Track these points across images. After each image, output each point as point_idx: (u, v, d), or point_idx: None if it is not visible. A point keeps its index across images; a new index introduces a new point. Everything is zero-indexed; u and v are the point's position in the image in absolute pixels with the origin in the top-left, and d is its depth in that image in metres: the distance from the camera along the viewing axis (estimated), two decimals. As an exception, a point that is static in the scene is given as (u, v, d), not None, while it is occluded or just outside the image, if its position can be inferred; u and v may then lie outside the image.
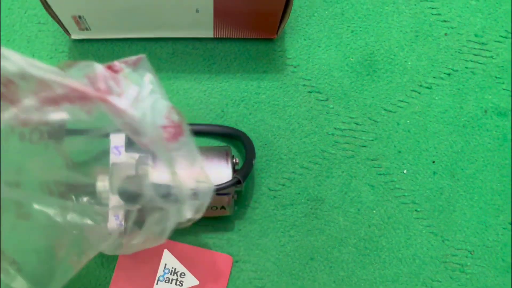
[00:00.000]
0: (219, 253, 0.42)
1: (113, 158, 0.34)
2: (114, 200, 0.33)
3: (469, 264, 0.44)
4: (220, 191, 0.37)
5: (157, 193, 0.30)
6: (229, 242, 0.43)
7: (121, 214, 0.34)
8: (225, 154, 0.39)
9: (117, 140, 0.34)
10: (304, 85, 0.47)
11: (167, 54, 0.46)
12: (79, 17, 0.40)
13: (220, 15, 0.41)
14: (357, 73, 0.47)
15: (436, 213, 0.45)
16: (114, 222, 0.33)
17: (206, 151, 0.39)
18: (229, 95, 0.46)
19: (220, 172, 0.38)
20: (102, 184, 0.34)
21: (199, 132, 0.44)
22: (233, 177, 0.38)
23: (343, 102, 0.47)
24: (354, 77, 0.47)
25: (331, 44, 0.48)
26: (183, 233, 0.42)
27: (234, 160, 0.39)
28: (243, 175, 0.39)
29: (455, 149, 0.46)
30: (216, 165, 0.38)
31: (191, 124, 0.42)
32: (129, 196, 0.32)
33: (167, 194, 0.31)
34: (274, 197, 0.44)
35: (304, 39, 0.48)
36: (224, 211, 0.40)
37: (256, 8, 0.40)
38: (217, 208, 0.39)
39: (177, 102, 0.45)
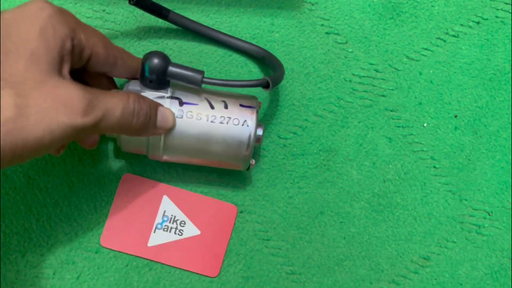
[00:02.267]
0: (223, 201, 0.39)
1: None
2: None
3: (486, 225, 0.42)
4: (245, 87, 0.35)
5: None
6: (234, 191, 0.39)
7: None
8: (250, 104, 0.35)
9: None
10: (322, 25, 0.42)
11: (173, -19, 0.41)
12: None
13: None
14: (379, 16, 0.43)
15: (455, 170, 0.42)
16: None
17: (231, 97, 0.36)
18: (239, 32, 0.41)
19: (241, 125, 0.34)
20: None
21: (224, 43, 0.40)
22: (262, 78, 0.35)
23: (363, 47, 0.43)
24: (376, 20, 0.43)
25: (353, -18, 0.43)
26: (184, 178, 0.39)
27: (260, 130, 0.36)
28: (274, 78, 0.35)
29: (479, 103, 0.43)
30: (238, 114, 0.35)
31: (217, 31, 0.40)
32: None
33: None
34: (284, 145, 0.41)
35: (324, -25, 0.43)
36: (239, 164, 0.36)
37: None
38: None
39: (182, 37, 0.41)
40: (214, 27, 0.41)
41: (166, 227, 0.37)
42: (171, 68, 0.33)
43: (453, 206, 0.42)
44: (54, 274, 0.37)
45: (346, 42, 0.43)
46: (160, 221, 0.37)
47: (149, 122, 0.31)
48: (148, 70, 0.32)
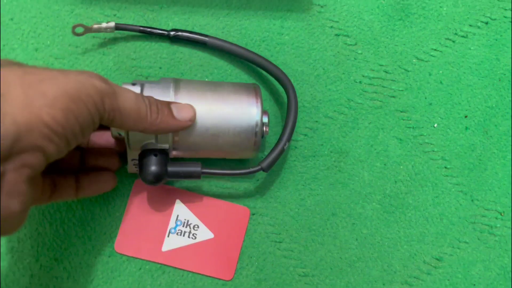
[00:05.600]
0: (235, 204, 0.39)
1: None
2: None
3: (498, 225, 0.42)
4: (241, 175, 0.37)
5: None
6: (246, 193, 0.39)
7: None
8: (253, 91, 0.35)
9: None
10: (331, 27, 0.43)
11: (183, -15, 0.41)
12: None
13: None
14: (388, 17, 0.43)
15: (466, 171, 0.42)
16: None
17: (234, 86, 0.36)
18: (249, 34, 0.41)
19: (248, 111, 0.35)
20: None
21: (246, 58, 0.39)
22: (257, 166, 0.36)
23: (372, 48, 0.43)
24: (385, 21, 0.43)
25: (361, -16, 0.44)
26: (196, 182, 0.39)
27: (264, 128, 0.36)
28: (267, 164, 0.36)
29: (490, 103, 0.43)
30: (244, 102, 0.35)
31: (238, 46, 0.39)
32: None
33: None
34: (295, 147, 0.41)
35: (333, -23, 0.43)
36: (247, 153, 0.36)
37: None
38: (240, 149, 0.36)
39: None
40: (224, 30, 0.41)
41: (180, 231, 0.37)
42: (170, 169, 0.34)
43: (465, 206, 0.42)
44: (68, 278, 0.37)
45: (356, 44, 0.43)
46: (174, 225, 0.37)
47: (163, 115, 0.31)
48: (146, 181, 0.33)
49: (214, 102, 0.34)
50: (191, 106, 0.33)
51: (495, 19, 0.45)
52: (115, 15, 0.40)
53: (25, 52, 0.39)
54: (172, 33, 0.39)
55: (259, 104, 0.35)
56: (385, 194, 0.41)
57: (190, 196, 0.38)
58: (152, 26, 0.40)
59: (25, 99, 0.24)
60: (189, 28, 0.41)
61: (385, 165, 0.41)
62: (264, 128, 0.35)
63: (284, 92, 0.40)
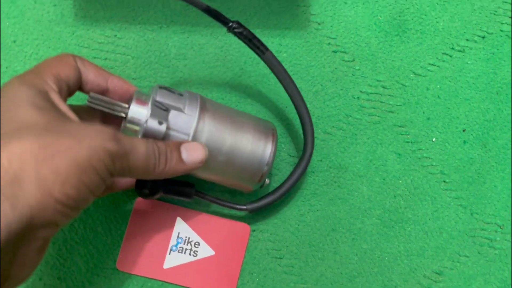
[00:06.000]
0: (235, 221, 0.39)
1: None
2: None
3: (498, 239, 0.42)
4: (222, 205, 0.38)
5: None
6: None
7: None
8: (271, 134, 0.36)
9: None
10: (328, 44, 0.43)
11: (182, 6, 0.42)
12: (87, -43, 0.36)
13: (244, -40, 0.37)
14: (385, 33, 0.44)
15: (465, 184, 0.42)
16: None
17: (254, 121, 0.36)
18: (248, 53, 0.42)
19: (263, 152, 0.35)
20: None
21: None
22: (244, 205, 0.38)
23: (370, 64, 0.43)
24: (383, 37, 0.44)
25: (358, 1, 0.44)
26: (197, 200, 0.39)
27: (266, 181, 0.37)
28: (254, 208, 0.38)
29: (487, 117, 0.43)
30: (258, 142, 0.35)
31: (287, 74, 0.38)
32: None
33: None
34: (295, 163, 0.41)
35: (330, -6, 0.44)
36: (245, 188, 0.37)
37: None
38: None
39: (192, 59, 0.41)
40: (223, 49, 0.42)
41: (181, 248, 0.38)
42: (164, 186, 0.35)
43: (464, 220, 0.42)
44: (71, 296, 0.38)
45: (353, 60, 0.43)
46: (175, 242, 0.38)
47: (172, 162, 0.31)
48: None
49: (232, 136, 0.34)
50: (203, 147, 0.33)
51: (491, 33, 0.45)
52: (115, 35, 0.41)
53: (27, 74, 0.39)
54: (235, 26, 0.35)
55: (273, 148, 0.35)
56: (384, 208, 0.41)
57: (191, 213, 0.39)
58: (155, 50, 0.40)
59: (38, 179, 0.24)
60: (188, 47, 0.41)
61: (384, 179, 0.42)
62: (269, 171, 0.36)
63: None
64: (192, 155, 0.32)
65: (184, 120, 0.33)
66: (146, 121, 0.31)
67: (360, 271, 0.40)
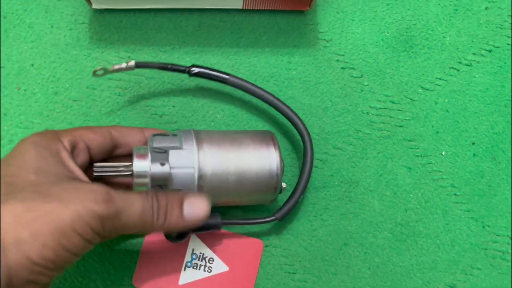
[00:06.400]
0: (249, 237, 0.40)
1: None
2: None
3: (510, 251, 0.42)
4: (251, 224, 0.38)
5: None
6: (259, 226, 0.40)
7: None
8: (271, 140, 0.36)
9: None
10: (337, 61, 0.44)
11: (193, 27, 0.43)
12: (102, -17, 0.37)
13: (253, -17, 0.38)
14: (393, 49, 0.45)
15: (476, 197, 0.43)
16: None
17: (251, 134, 0.37)
18: (258, 71, 0.43)
19: (268, 158, 0.36)
20: None
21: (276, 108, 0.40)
22: (272, 216, 0.38)
23: (378, 80, 0.44)
24: (390, 53, 0.45)
25: (365, 18, 0.45)
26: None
27: (282, 186, 0.37)
28: (283, 214, 0.38)
29: (496, 129, 0.44)
30: (261, 150, 0.36)
31: (258, 87, 0.40)
32: None
33: None
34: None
35: (337, 12, 0.45)
36: (266, 199, 0.37)
37: (292, -25, 0.37)
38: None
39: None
40: (234, 68, 0.43)
41: (196, 264, 0.38)
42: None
43: (476, 233, 0.42)
44: (88, 313, 0.38)
45: (362, 76, 0.44)
46: (190, 259, 0.38)
47: (171, 218, 0.31)
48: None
49: (235, 154, 0.35)
50: (207, 201, 0.32)
51: (498, 47, 0.46)
52: (129, 57, 0.42)
53: (45, 96, 0.41)
54: (192, 69, 0.39)
55: (277, 151, 0.36)
56: (396, 222, 0.42)
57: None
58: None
59: (17, 242, 0.26)
60: (200, 67, 0.42)
61: (395, 193, 0.42)
62: (282, 169, 0.36)
63: (297, 134, 0.41)
64: (194, 210, 0.32)
65: (185, 155, 0.33)
66: (150, 168, 0.32)
67: (373, 285, 0.40)
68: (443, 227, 0.42)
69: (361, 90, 0.44)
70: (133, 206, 0.29)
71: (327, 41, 0.44)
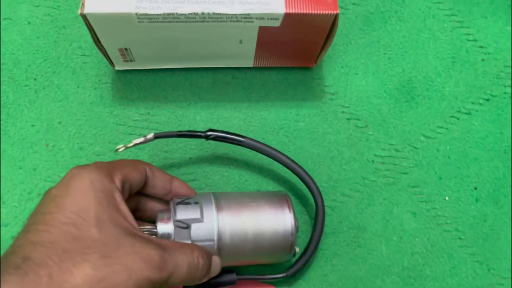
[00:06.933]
0: (262, 283, 0.42)
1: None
2: None
3: (516, 293, 0.43)
4: (263, 280, 0.41)
5: None
6: (271, 273, 0.42)
7: None
8: (285, 201, 0.39)
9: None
10: (342, 112, 0.47)
11: (208, 84, 0.46)
12: (125, 49, 0.41)
13: (263, 45, 0.41)
14: (395, 100, 0.47)
15: (480, 241, 0.44)
16: None
17: (266, 197, 0.39)
18: (268, 123, 0.46)
19: (283, 218, 0.38)
20: None
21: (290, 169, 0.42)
22: (284, 273, 0.40)
23: (382, 129, 0.47)
24: (393, 103, 0.47)
25: (368, 72, 0.48)
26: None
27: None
28: (294, 272, 0.41)
29: (497, 175, 0.46)
30: (279, 211, 0.38)
31: (272, 149, 0.41)
32: None
33: None
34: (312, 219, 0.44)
35: (342, 67, 0.48)
36: (282, 257, 0.39)
37: (299, 38, 0.41)
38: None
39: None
40: (246, 121, 0.46)
41: (212, 310, 0.40)
42: (211, 281, 0.38)
43: (482, 276, 0.43)
44: None
45: (366, 126, 0.47)
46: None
47: (207, 274, 0.34)
48: None
49: (252, 221, 0.37)
50: (220, 262, 0.36)
51: (495, 96, 0.48)
52: (148, 113, 0.45)
53: (71, 151, 0.44)
54: (209, 133, 0.40)
55: (291, 213, 0.38)
56: (403, 266, 0.43)
57: None
58: (185, 125, 0.45)
59: None
60: (214, 121, 0.45)
61: (401, 238, 0.44)
62: (297, 228, 0.38)
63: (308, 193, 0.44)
64: (215, 269, 0.35)
65: (206, 229, 0.36)
66: (173, 238, 0.35)
67: (383, 329, 0.42)
68: (449, 270, 0.43)
69: (366, 140, 0.46)
70: (181, 268, 0.32)
71: (333, 94, 0.47)
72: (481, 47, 0.50)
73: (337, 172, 0.45)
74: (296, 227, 0.38)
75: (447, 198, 0.45)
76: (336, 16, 0.38)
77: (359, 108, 0.47)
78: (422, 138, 0.47)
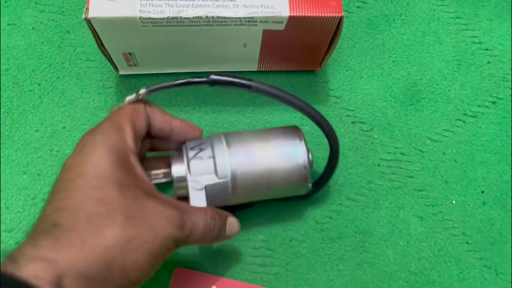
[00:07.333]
0: (255, 285, 0.41)
1: None
2: None
3: (525, 298, 0.43)
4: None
5: None
6: (277, 277, 0.42)
7: None
8: (296, 133, 0.38)
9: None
10: (347, 115, 0.46)
11: (212, 88, 0.46)
12: (130, 54, 0.41)
13: (267, 49, 0.41)
14: (400, 103, 0.47)
15: (488, 245, 0.44)
16: None
17: (278, 131, 0.39)
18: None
19: (295, 151, 0.38)
20: None
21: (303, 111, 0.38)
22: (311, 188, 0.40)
23: (387, 133, 0.46)
24: (398, 107, 0.47)
25: (373, 75, 0.48)
26: (230, 267, 0.42)
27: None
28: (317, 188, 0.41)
29: (504, 178, 0.45)
30: (289, 143, 0.38)
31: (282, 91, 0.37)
32: None
33: None
34: (322, 230, 0.43)
35: (346, 70, 0.48)
36: (299, 188, 0.39)
37: (303, 42, 0.40)
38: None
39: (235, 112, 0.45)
40: (250, 125, 0.46)
41: (217, 315, 0.40)
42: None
43: (490, 280, 0.43)
44: None
45: (372, 130, 0.46)
46: (211, 309, 0.40)
47: (220, 234, 0.35)
48: None
49: (264, 149, 0.37)
50: (238, 222, 0.37)
51: (501, 98, 0.48)
52: (153, 117, 0.45)
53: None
54: (212, 76, 0.35)
55: (303, 142, 0.38)
56: (410, 271, 0.43)
57: (225, 281, 0.41)
58: (187, 120, 0.44)
59: (122, 268, 0.29)
60: (219, 125, 0.45)
61: (408, 242, 0.44)
62: (311, 161, 0.38)
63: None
64: (232, 229, 0.37)
65: (219, 170, 0.36)
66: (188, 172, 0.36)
67: (390, 334, 0.41)
68: (457, 275, 0.43)
69: (372, 143, 0.46)
70: (198, 228, 0.33)
71: (338, 98, 0.47)
72: (487, 49, 0.49)
73: (343, 176, 0.45)
74: (310, 157, 0.38)
75: (454, 202, 0.45)
76: (340, 19, 0.37)
77: (364, 111, 0.47)
78: (428, 141, 0.46)
